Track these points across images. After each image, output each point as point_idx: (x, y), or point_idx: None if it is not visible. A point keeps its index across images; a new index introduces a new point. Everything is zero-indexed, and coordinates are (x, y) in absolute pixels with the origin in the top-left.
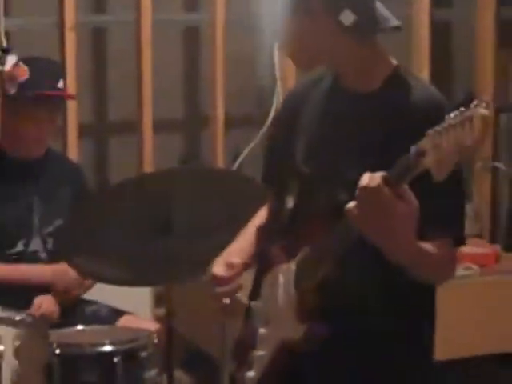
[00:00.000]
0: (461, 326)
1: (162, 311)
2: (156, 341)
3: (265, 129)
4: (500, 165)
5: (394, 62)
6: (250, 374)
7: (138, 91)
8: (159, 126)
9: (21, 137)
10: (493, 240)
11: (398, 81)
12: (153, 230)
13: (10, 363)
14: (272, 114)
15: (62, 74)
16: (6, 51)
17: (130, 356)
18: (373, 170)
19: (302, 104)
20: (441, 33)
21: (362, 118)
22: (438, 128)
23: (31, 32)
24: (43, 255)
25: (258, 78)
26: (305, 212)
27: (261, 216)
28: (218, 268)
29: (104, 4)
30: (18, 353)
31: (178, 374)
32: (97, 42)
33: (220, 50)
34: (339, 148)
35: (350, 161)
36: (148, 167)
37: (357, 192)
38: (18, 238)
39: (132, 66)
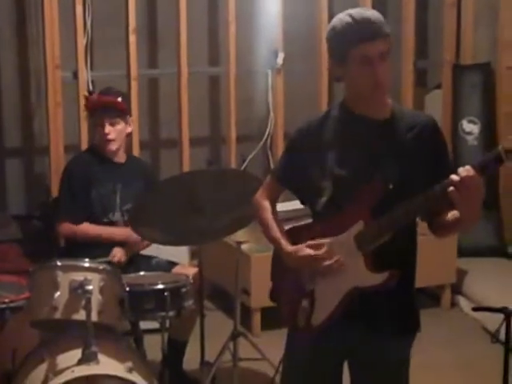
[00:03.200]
0: None
1: (195, 262)
2: (192, 281)
3: (261, 143)
4: None
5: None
6: (318, 317)
7: (178, 120)
8: (193, 142)
9: (99, 139)
10: None
11: (399, 110)
12: (189, 209)
13: (97, 298)
14: (266, 134)
15: (120, 95)
16: (91, 93)
17: (175, 291)
18: (399, 170)
19: (320, 132)
20: None
21: (383, 138)
22: None
23: (108, 80)
24: (121, 224)
25: (256, 110)
26: (343, 201)
27: (267, 207)
28: (305, 250)
29: (156, 62)
30: (101, 291)
31: (206, 303)
32: (151, 87)
33: (232, 91)
34: (367, 158)
35: (378, 165)
36: (186, 169)
37: (460, 179)
38: (108, 210)
39: (175, 103)
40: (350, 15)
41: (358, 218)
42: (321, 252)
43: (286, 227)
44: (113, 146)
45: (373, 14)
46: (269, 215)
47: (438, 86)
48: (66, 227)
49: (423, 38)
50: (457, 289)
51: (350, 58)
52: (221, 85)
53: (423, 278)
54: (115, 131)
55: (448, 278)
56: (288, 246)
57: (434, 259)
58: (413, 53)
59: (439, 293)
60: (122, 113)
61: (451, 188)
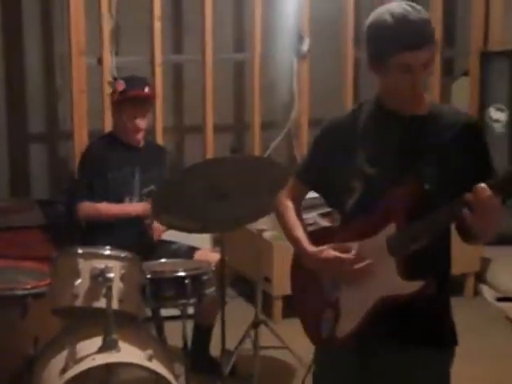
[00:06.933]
0: None
1: (217, 249)
2: (213, 268)
3: (285, 130)
4: None
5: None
6: (343, 328)
7: (203, 105)
8: (217, 129)
9: (125, 128)
10: None
11: (437, 108)
12: (212, 197)
13: (118, 285)
14: (290, 121)
15: (147, 84)
16: (116, 80)
17: (196, 278)
18: (436, 170)
19: (350, 128)
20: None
21: (419, 135)
22: None
23: (132, 66)
24: None
25: (280, 96)
26: (374, 202)
27: (290, 206)
28: (331, 252)
29: (181, 47)
30: (122, 278)
31: (228, 290)
32: (176, 73)
33: (257, 78)
34: (400, 156)
35: (413, 164)
36: (210, 155)
37: (476, 200)
38: (125, 194)
39: (199, 89)
40: (393, 15)
41: (390, 221)
42: (349, 255)
43: (309, 229)
44: (141, 136)
45: (418, 15)
46: (292, 214)
47: (465, 74)
48: (85, 206)
49: (450, 26)
50: (480, 277)
51: (390, 64)
52: (245, 71)
53: None
54: (145, 122)
55: (472, 266)
56: (310, 247)
57: (457, 247)
58: (440, 41)
59: (462, 281)
60: (152, 103)
61: (465, 210)
